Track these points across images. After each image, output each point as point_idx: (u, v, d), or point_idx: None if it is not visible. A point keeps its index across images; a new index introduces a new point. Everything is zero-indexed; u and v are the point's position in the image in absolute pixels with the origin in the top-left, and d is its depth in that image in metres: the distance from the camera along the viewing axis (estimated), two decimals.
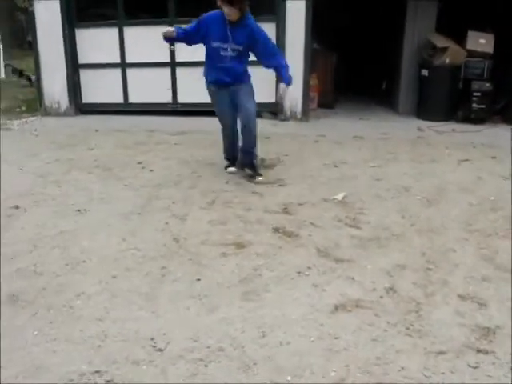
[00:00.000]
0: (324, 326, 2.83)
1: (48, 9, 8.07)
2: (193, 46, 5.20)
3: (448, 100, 7.72)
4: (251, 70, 7.69)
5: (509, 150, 6.20)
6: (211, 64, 5.00)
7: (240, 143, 5.21)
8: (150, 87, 8.28)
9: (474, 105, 7.57)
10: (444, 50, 7.54)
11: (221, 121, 5.26)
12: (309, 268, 3.43)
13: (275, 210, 4.38)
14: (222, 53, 4.88)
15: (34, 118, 8.61)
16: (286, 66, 5.07)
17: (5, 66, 14.18)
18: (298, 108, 7.67)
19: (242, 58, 5.01)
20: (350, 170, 5.43)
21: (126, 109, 8.46)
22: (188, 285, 3.26)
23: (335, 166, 5.54)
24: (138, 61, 8.26)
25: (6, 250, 3.73)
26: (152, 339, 2.72)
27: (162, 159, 5.95)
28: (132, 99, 8.49)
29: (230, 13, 4.71)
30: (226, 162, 5.46)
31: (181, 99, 8.29)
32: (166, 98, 8.30)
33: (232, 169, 5.37)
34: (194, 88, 7.86)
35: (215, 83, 5.04)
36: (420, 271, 3.41)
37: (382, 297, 3.11)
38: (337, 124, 7.62)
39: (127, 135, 7.19)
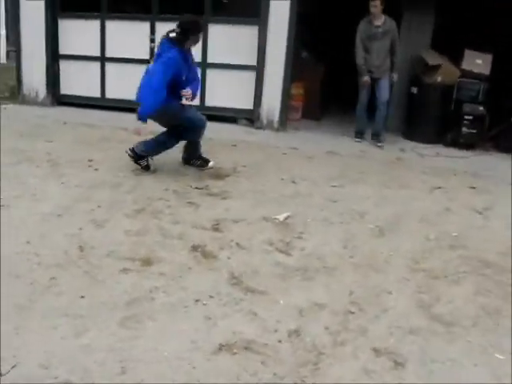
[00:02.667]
0: (196, 369, 2.41)
1: None
2: None
3: (437, 121, 7.20)
4: (226, 73, 7.46)
5: (492, 181, 5.71)
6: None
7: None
8: (127, 83, 7.89)
9: (465, 128, 7.05)
10: (436, 67, 7.07)
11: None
12: (211, 297, 3.01)
13: (204, 226, 3.97)
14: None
15: (11, 105, 8.33)
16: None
17: (8, 52, 14.07)
18: (276, 117, 7.26)
19: None
20: (308, 187, 4.99)
21: (103, 103, 8.13)
22: (69, 301, 2.90)
23: (293, 182, 5.11)
24: (117, 56, 7.92)
25: None
26: None
27: (116, 158, 5.57)
28: (109, 94, 8.14)
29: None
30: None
31: None
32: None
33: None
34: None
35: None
36: (339, 314, 2.95)
37: (280, 341, 2.67)
38: (315, 137, 7.18)
39: (94, 130, 6.87)
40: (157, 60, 4.92)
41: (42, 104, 8.28)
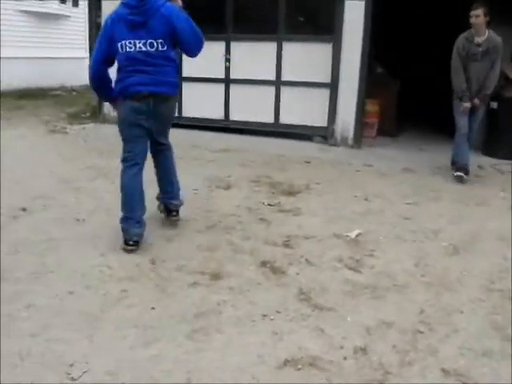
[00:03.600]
0: (260, 382, 2.40)
1: None
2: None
3: None
4: (300, 90, 7.49)
5: None
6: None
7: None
8: (203, 102, 8.15)
9: None
10: None
11: None
12: (278, 312, 3.01)
13: (275, 242, 3.99)
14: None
15: (92, 124, 8.76)
16: None
17: None
18: (350, 134, 7.20)
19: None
20: (381, 205, 4.90)
21: (179, 122, 8.36)
22: (139, 312, 2.99)
23: (365, 200, 5.03)
24: (193, 75, 8.15)
25: None
26: (71, 365, 2.50)
27: (189, 175, 5.69)
28: (185, 113, 8.38)
29: None
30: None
31: (233, 116, 8.06)
32: (218, 114, 8.12)
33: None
34: (247, 106, 7.74)
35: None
36: (408, 333, 2.87)
37: (346, 358, 2.62)
38: (390, 154, 7.04)
39: None
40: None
41: None
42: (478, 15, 5.46)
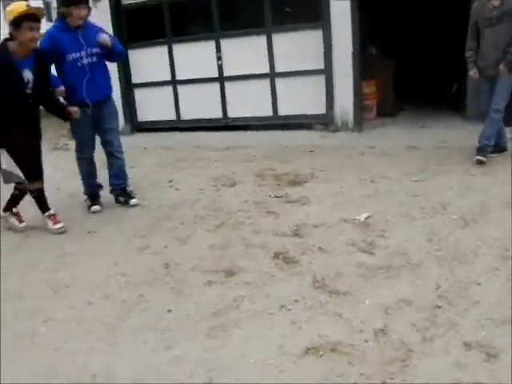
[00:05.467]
0: (284, 373, 2.43)
1: None
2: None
3: None
4: (295, 80, 7.47)
5: None
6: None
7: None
8: (201, 103, 8.15)
9: None
10: None
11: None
12: (295, 301, 3.02)
13: (285, 233, 3.99)
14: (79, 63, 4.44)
15: None
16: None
17: None
18: (350, 118, 7.15)
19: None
20: (387, 185, 4.87)
21: (179, 125, 8.39)
22: (157, 316, 3.02)
23: (372, 182, 5.01)
24: (187, 77, 8.15)
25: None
26: (94, 376, 2.53)
27: (195, 177, 5.74)
28: (184, 116, 8.39)
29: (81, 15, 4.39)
30: (87, 201, 4.99)
31: (231, 114, 8.06)
32: (216, 113, 8.11)
33: (97, 207, 4.92)
34: (244, 102, 7.73)
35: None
36: (426, 310, 2.86)
37: (366, 340, 2.62)
38: (392, 133, 6.99)
39: (171, 152, 7.08)
40: None
41: (123, 133, 8.60)
42: None
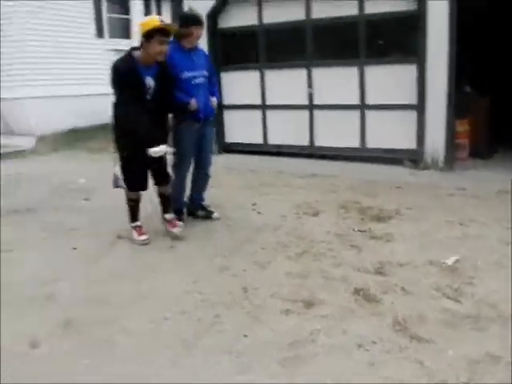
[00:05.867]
0: None
1: None
2: None
3: None
4: (386, 113, 7.36)
5: None
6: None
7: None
8: (288, 129, 8.20)
9: None
10: None
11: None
12: (373, 342, 2.91)
13: (367, 269, 3.89)
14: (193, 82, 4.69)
15: None
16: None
17: None
18: (440, 156, 6.94)
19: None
20: (477, 229, 4.66)
21: (265, 149, 8.47)
22: (233, 339, 3.00)
23: (460, 224, 4.80)
24: (277, 103, 8.25)
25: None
26: None
27: (278, 202, 5.75)
28: (271, 140, 8.46)
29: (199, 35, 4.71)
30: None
31: (318, 142, 8.05)
32: (303, 140, 8.13)
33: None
34: (332, 132, 7.70)
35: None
36: None
37: None
38: (484, 176, 6.70)
39: (256, 176, 7.16)
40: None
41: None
42: None
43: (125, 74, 4.13)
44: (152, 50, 4.12)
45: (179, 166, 4.91)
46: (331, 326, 3.10)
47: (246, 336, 3.01)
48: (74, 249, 4.49)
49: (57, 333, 3.10)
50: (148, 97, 4.24)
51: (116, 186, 4.55)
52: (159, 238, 4.69)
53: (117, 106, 4.27)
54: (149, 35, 4.08)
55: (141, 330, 3.13)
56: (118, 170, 4.44)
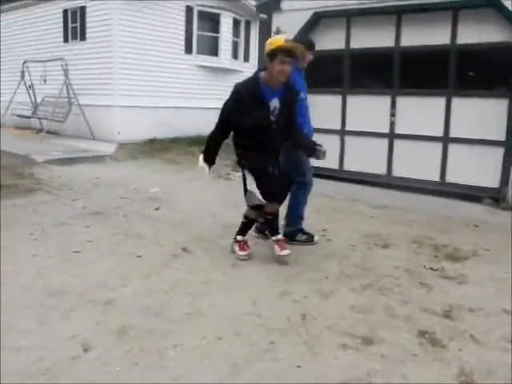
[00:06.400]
0: None
1: None
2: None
3: None
4: (470, 148, 7.05)
5: None
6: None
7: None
8: (365, 156, 8.03)
9: None
10: None
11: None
12: None
13: (435, 311, 3.66)
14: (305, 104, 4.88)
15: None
16: None
17: None
18: None
19: None
20: None
21: (341, 175, 8.32)
22: (284, 368, 2.89)
23: None
24: (356, 129, 8.11)
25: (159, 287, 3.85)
26: None
27: (348, 230, 5.60)
28: (347, 166, 8.31)
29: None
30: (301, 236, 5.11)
31: (396, 172, 7.82)
32: (380, 168, 7.93)
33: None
34: (411, 162, 7.46)
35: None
36: None
37: None
38: None
39: (329, 201, 7.03)
40: None
41: None
42: None
43: (245, 97, 4.17)
44: (273, 69, 4.11)
45: (303, 175, 5.03)
46: (390, 368, 2.91)
47: (299, 367, 2.89)
48: (139, 256, 4.54)
49: (109, 339, 3.10)
50: (272, 118, 4.23)
51: (252, 203, 4.55)
52: (224, 254, 4.66)
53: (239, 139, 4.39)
54: (272, 54, 4.11)
55: (193, 346, 3.07)
56: (254, 187, 4.39)
